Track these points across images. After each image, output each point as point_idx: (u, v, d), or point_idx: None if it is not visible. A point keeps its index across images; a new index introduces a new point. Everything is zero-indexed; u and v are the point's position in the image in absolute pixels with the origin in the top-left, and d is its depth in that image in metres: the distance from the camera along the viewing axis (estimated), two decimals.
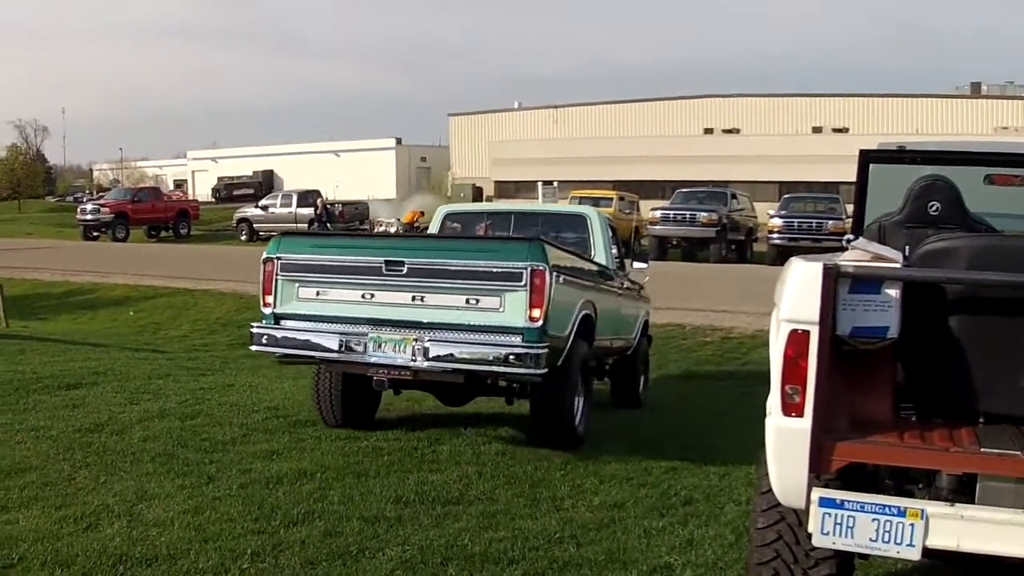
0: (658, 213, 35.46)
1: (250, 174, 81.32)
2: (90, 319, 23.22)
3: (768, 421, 4.12)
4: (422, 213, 41.74)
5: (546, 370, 7.58)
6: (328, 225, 44.99)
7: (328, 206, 47.77)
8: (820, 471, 4.04)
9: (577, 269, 8.90)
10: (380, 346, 7.98)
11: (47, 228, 56.02)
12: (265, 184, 76.85)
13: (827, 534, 3.95)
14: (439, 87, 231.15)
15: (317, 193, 49.54)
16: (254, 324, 8.58)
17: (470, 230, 11.61)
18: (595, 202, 36.35)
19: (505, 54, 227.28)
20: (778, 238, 31.88)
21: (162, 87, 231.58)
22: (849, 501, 3.96)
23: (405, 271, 8.01)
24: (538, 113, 71.06)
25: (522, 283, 7.59)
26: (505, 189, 61.04)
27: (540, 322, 7.57)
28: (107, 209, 47.37)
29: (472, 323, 7.85)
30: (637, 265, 12.12)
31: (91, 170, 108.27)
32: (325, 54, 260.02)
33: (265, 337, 8.47)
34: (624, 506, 7.09)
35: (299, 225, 45.52)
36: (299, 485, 7.25)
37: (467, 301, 7.85)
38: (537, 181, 43.49)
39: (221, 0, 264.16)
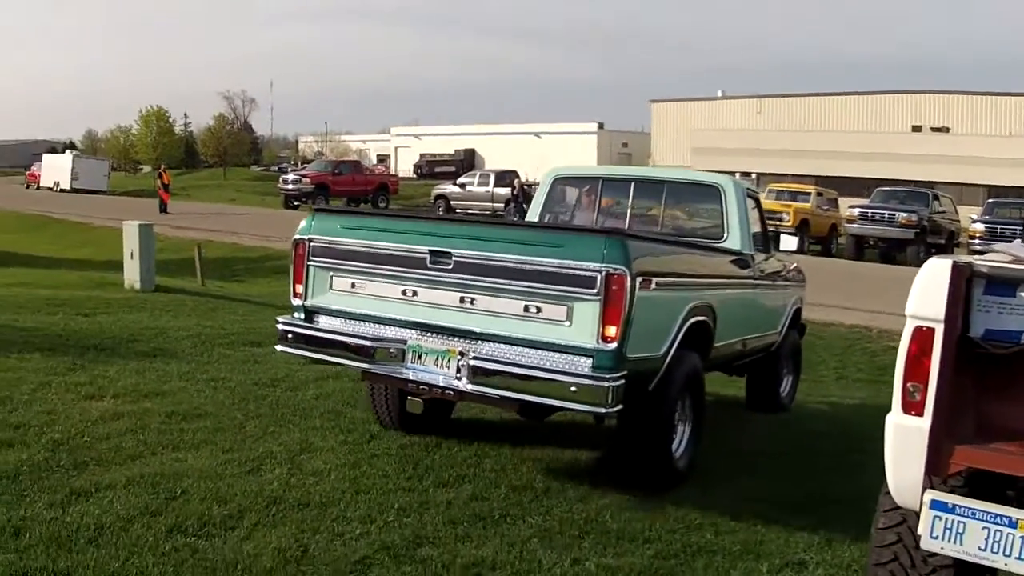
0: (856, 211, 34.67)
1: (452, 152, 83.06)
2: (283, 284, 24.19)
3: (888, 418, 4.10)
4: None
5: (619, 407, 6.01)
6: (524, 206, 45.52)
7: (525, 187, 48.32)
8: (936, 473, 3.98)
9: (688, 265, 7.36)
10: (420, 357, 6.61)
11: (250, 196, 58.52)
12: (467, 163, 78.36)
13: (936, 538, 3.91)
14: (642, 73, 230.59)
15: (514, 174, 50.16)
16: (280, 318, 7.36)
17: (582, 198, 9.95)
18: (792, 196, 36.21)
19: (710, 41, 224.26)
20: (979, 244, 30.55)
21: (368, 65, 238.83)
22: (961, 506, 3.90)
23: (452, 265, 6.47)
24: (741, 103, 70.03)
25: (594, 291, 5.94)
26: None
27: (616, 343, 5.94)
28: (308, 180, 49.24)
29: (531, 338, 6.24)
30: (785, 242, 10.22)
31: (296, 142, 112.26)
32: (529, 36, 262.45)
33: (291, 334, 7.20)
34: (770, 500, 7.07)
35: (495, 205, 46.30)
36: (456, 450, 7.51)
37: (526, 309, 6.24)
38: (736, 172, 43.01)
39: None
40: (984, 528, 3.86)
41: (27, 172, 77.20)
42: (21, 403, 7.85)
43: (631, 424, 6.73)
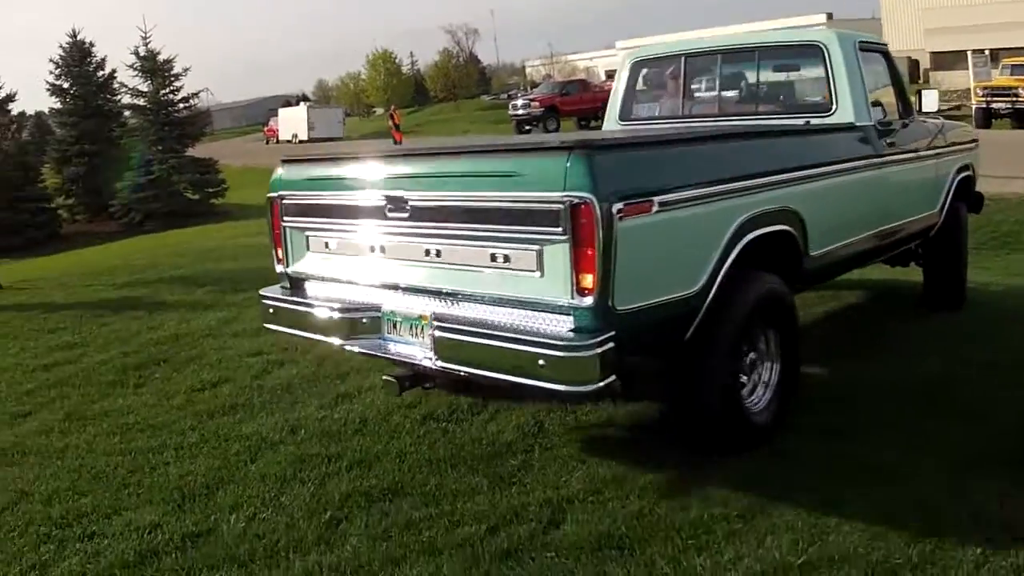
0: None
1: None
2: None
3: None
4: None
5: (612, 379, 4.63)
6: None
7: None
8: None
9: (732, 164, 5.53)
10: (395, 327, 5.54)
11: (484, 125, 60.20)
12: None
13: None
14: None
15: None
16: (264, 292, 6.53)
17: (665, 82, 8.68)
18: None
19: None
20: None
21: None
22: None
23: (409, 212, 5.38)
24: None
25: (559, 229, 4.60)
26: (942, 60, 57.69)
27: (594, 296, 4.57)
28: (537, 103, 50.39)
29: (504, 294, 4.99)
30: (927, 100, 8.37)
31: (523, 67, 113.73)
32: None
33: (272, 308, 6.36)
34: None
35: None
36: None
37: (492, 258, 5.00)
38: (969, 50, 41.37)
39: None
40: None
41: (265, 128, 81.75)
42: None
43: (679, 382, 5.54)
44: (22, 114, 43.47)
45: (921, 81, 58.19)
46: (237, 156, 48.78)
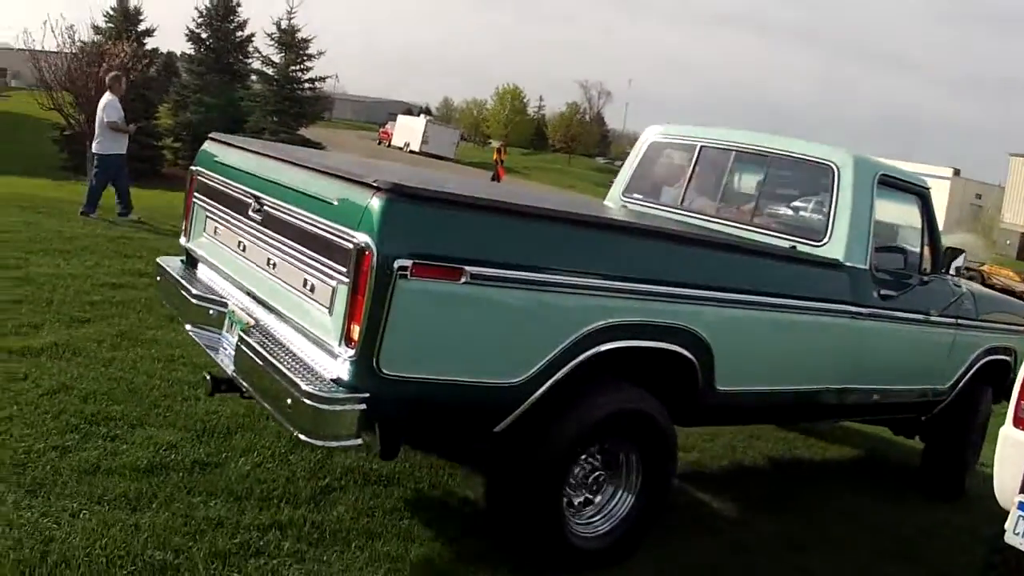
0: None
1: None
2: None
3: (1001, 430, 4.91)
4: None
5: (357, 441, 4.24)
6: None
7: None
8: None
9: (607, 257, 4.79)
10: (232, 327, 5.28)
11: (589, 186, 60.81)
12: None
13: (1017, 534, 4.56)
14: (1006, 120, 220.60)
15: None
16: (161, 259, 6.43)
17: (677, 165, 7.94)
18: None
19: None
20: None
21: (733, 76, 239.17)
22: None
23: (262, 216, 5.15)
24: None
25: (346, 270, 4.24)
26: None
27: (357, 350, 4.14)
28: None
29: (301, 323, 4.63)
30: (955, 259, 7.31)
31: None
32: (892, 63, 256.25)
33: (159, 277, 6.32)
34: None
35: None
36: None
37: (304, 283, 4.67)
38: None
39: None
40: None
41: (381, 129, 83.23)
42: None
43: (490, 471, 5.17)
44: (155, 50, 44.63)
45: None
46: (345, 149, 49.65)
